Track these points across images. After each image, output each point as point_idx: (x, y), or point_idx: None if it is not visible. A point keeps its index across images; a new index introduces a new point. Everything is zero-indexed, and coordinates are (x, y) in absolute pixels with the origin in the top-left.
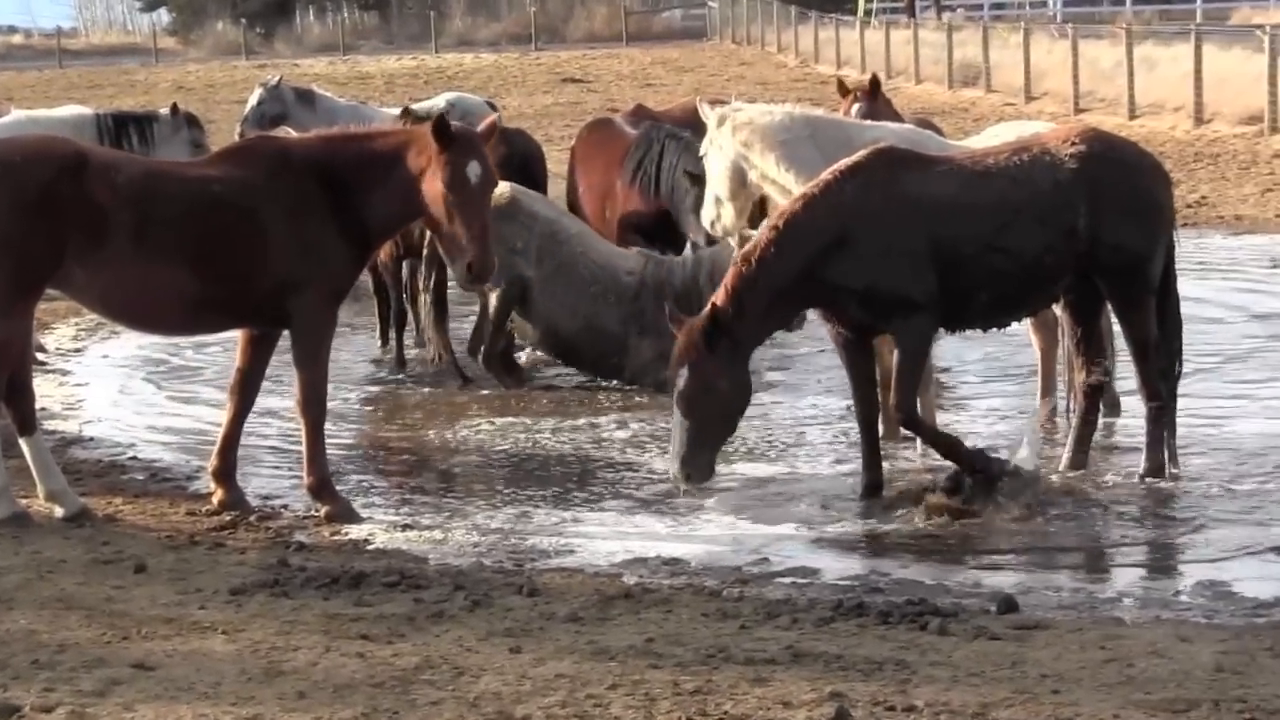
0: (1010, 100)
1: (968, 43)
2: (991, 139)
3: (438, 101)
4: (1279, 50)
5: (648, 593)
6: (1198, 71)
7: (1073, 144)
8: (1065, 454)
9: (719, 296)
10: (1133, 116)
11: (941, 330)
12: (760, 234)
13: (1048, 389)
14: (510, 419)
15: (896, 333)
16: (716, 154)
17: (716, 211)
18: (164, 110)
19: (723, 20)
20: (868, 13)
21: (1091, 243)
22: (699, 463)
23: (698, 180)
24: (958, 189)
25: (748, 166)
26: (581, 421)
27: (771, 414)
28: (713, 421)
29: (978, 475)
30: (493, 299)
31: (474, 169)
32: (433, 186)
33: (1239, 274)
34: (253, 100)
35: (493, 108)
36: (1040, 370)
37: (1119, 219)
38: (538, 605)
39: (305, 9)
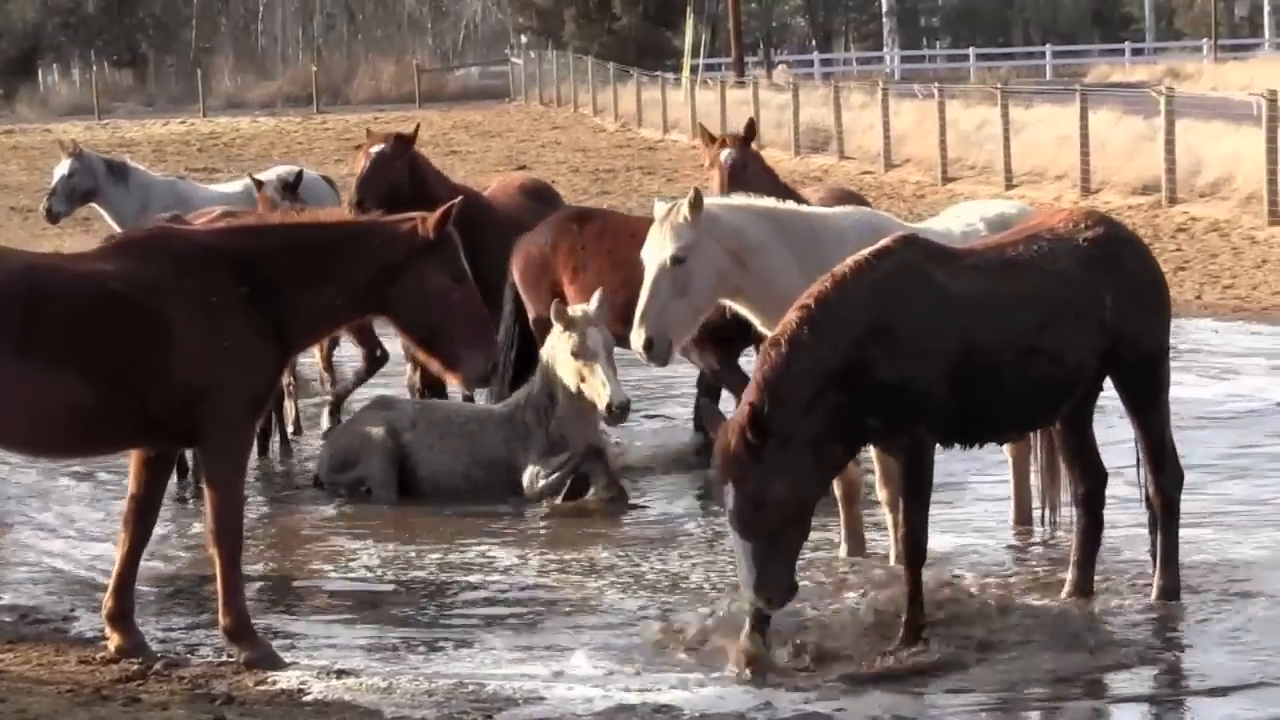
0: (868, 168)
1: (807, 104)
2: (953, 221)
3: (268, 176)
4: (1176, 112)
5: None
6: (1084, 135)
7: (1087, 228)
8: (1069, 576)
9: (750, 393)
10: (1010, 186)
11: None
12: (789, 315)
13: (1023, 502)
14: (415, 544)
15: (909, 448)
16: (702, 257)
17: (686, 325)
18: None
19: (528, 78)
20: (694, 69)
21: (1115, 337)
22: (776, 582)
23: None
24: (991, 284)
25: (733, 272)
26: (501, 551)
27: None
28: (779, 534)
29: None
30: (374, 458)
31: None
32: (430, 282)
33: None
34: (61, 170)
35: (330, 183)
36: (1013, 482)
37: (1140, 309)
38: None
39: (49, 66)
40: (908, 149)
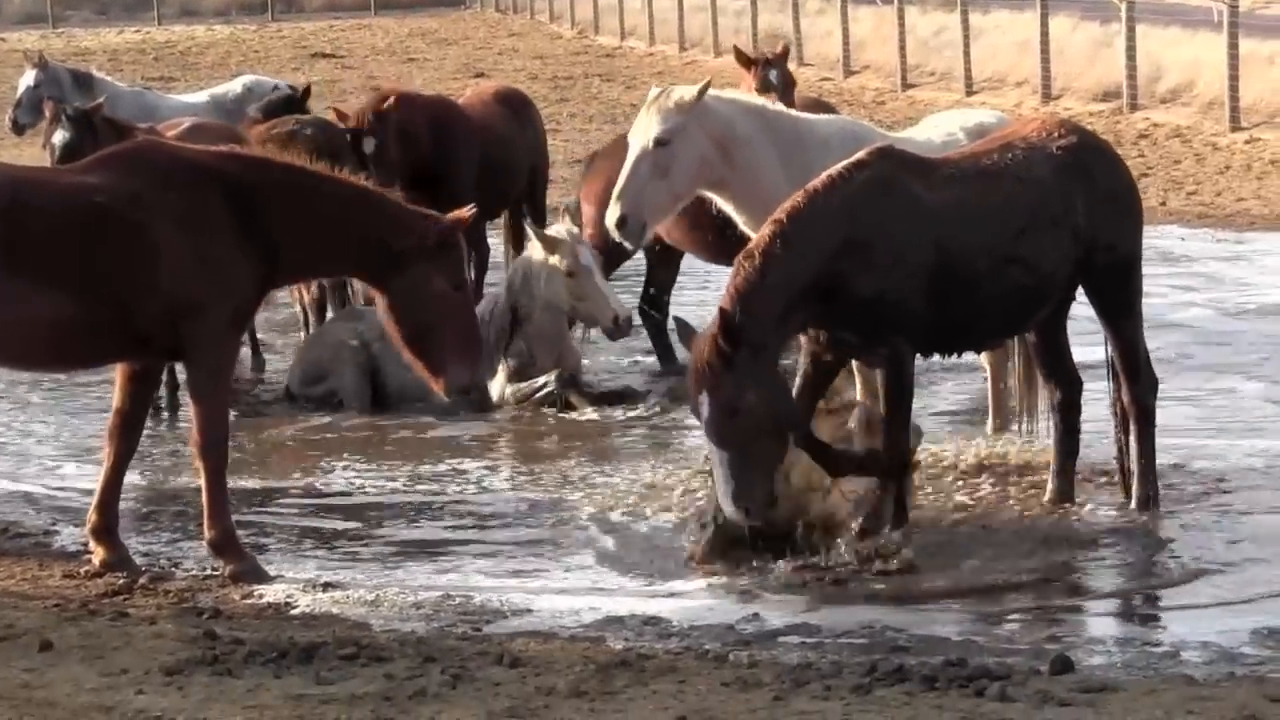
0: (827, 75)
1: (764, 9)
2: (933, 130)
3: (233, 86)
4: (1137, 19)
5: (645, 659)
6: (1044, 41)
7: (1060, 136)
8: (1050, 483)
9: (723, 300)
10: (970, 93)
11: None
12: (763, 230)
13: (1000, 409)
14: (387, 458)
15: (888, 360)
16: (686, 142)
17: (663, 208)
18: None
19: None
20: None
21: (1089, 245)
22: (754, 493)
23: None
24: (967, 194)
25: (718, 163)
26: (473, 464)
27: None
28: (755, 444)
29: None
30: (346, 369)
31: None
32: (431, 283)
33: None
34: (27, 81)
35: (296, 96)
36: (990, 391)
37: (1112, 216)
38: (528, 679)
39: None
40: (867, 55)
